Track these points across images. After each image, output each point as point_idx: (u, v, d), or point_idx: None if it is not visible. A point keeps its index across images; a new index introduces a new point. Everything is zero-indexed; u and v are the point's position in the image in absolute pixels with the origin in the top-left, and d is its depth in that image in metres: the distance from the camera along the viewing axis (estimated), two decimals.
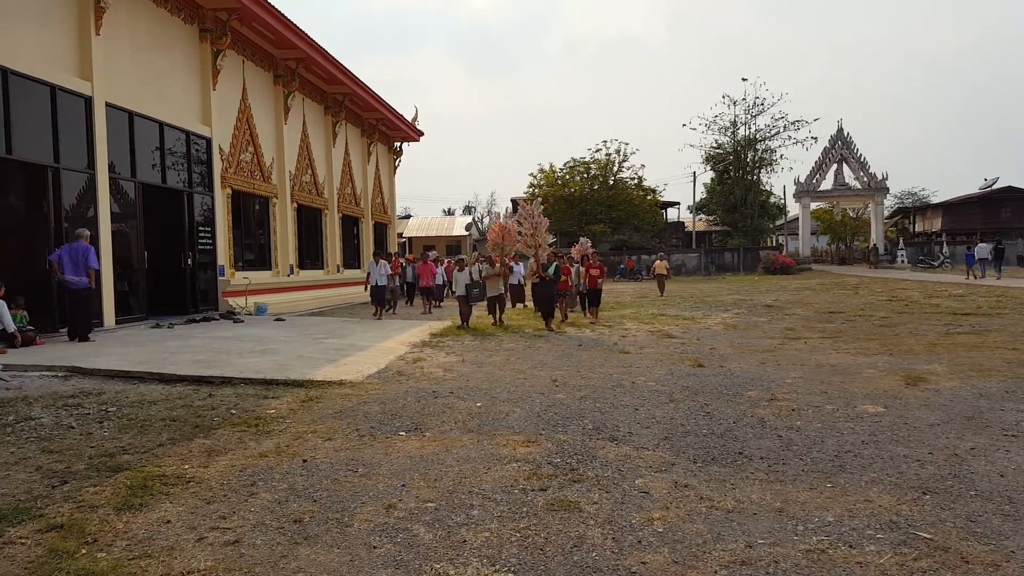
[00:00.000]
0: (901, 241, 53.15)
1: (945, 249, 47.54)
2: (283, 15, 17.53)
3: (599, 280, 15.89)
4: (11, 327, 9.85)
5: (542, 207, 16.76)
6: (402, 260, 22.85)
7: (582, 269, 16.49)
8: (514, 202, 19.59)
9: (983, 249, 30.68)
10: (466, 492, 4.29)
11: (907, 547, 3.42)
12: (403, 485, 4.44)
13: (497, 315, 14.58)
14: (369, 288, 16.85)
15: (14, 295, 10.48)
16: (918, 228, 64.36)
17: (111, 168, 12.98)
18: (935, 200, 63.93)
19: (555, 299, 14.70)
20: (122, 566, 3.29)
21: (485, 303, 14.85)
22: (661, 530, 3.67)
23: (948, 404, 6.52)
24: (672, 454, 5.05)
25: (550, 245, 16.35)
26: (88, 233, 11.20)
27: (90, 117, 12.42)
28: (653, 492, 4.25)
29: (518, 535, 3.64)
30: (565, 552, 3.44)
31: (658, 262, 26.19)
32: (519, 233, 16.16)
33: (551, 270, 14.62)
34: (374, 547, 3.52)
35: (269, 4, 16.77)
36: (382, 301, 16.78)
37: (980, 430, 5.57)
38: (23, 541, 3.58)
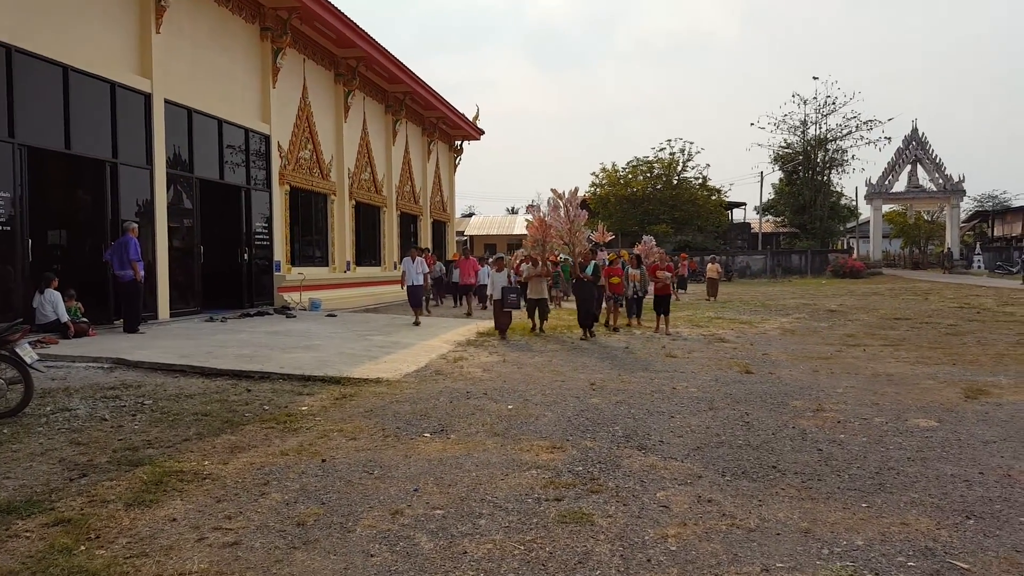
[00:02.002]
0: (978, 246, 50.48)
1: None
2: (343, 14, 17.71)
3: (670, 280, 14.40)
4: (64, 318, 10.20)
5: (581, 198, 15.07)
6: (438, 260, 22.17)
7: (633, 271, 14.83)
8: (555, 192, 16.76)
9: None
10: (478, 500, 4.14)
11: None
12: (415, 489, 4.32)
13: (537, 322, 13.18)
14: (405, 288, 15.05)
15: (69, 287, 10.87)
16: (997, 232, 61.04)
17: (169, 164, 13.35)
18: (1016, 203, 60.49)
19: (595, 304, 13.24)
20: (117, 565, 3.26)
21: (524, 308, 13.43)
22: (674, 548, 3.44)
23: (1008, 420, 6.03)
24: (701, 466, 4.78)
25: (588, 241, 14.70)
26: (135, 226, 11.47)
27: (149, 114, 12.78)
28: (673, 506, 4.01)
29: (522, 548, 3.47)
30: (568, 569, 3.25)
31: (710, 265, 25.13)
32: (551, 228, 14.59)
33: (589, 270, 13.05)
34: (371, 555, 3.41)
35: (329, 3, 16.98)
36: (419, 302, 15.05)
37: None
38: (28, 535, 3.61)
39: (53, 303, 10.19)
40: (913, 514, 3.87)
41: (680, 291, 24.77)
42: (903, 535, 3.59)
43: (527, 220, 18.92)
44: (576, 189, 14.56)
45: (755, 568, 3.21)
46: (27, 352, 6.20)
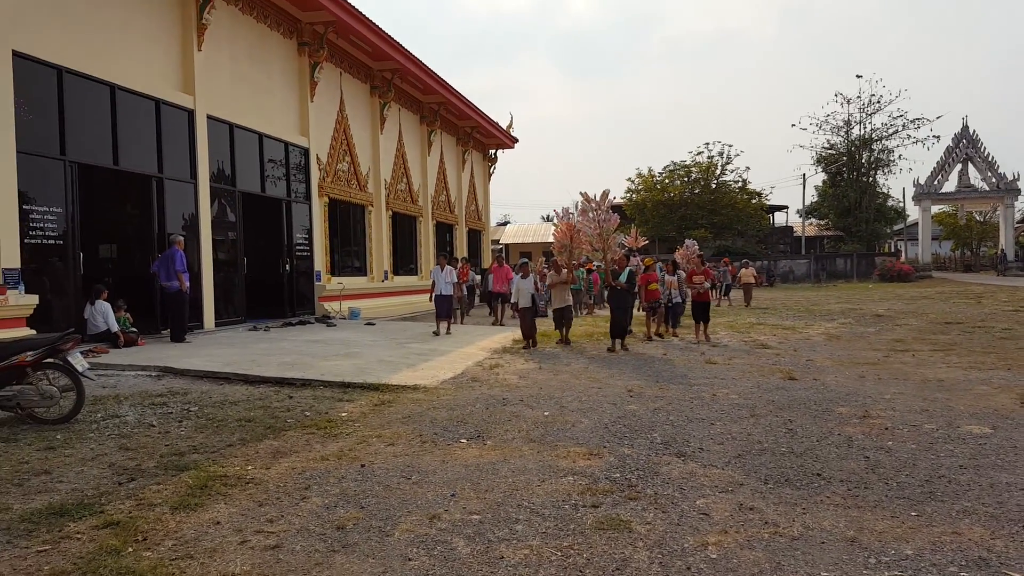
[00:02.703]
0: None
1: None
2: (379, 27, 17.99)
3: (706, 286, 13.80)
4: (115, 328, 10.51)
5: (612, 199, 13.88)
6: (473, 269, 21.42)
7: (670, 277, 14.34)
8: (584, 195, 14.45)
9: None
10: (515, 505, 4.13)
11: None
12: (452, 495, 4.33)
13: (564, 331, 12.60)
14: (433, 298, 14.28)
15: (118, 298, 11.19)
16: None
17: (212, 178, 13.69)
18: None
19: (630, 314, 12.57)
20: (163, 566, 3.34)
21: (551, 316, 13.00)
22: (714, 556, 3.38)
23: None
24: (742, 473, 4.69)
25: (620, 247, 13.71)
26: (181, 239, 11.76)
27: (192, 129, 13.13)
28: (714, 514, 3.94)
29: (559, 554, 3.45)
30: (606, 575, 3.21)
31: (744, 270, 24.37)
32: (579, 232, 13.51)
33: (623, 277, 12.17)
34: (409, 559, 3.42)
35: (365, 17, 17.26)
36: (448, 313, 14.25)
37: None
38: (79, 536, 3.71)
39: (104, 314, 10.51)
40: (966, 523, 3.74)
41: (724, 298, 24.33)
42: (955, 544, 3.47)
43: (554, 225, 18.16)
44: (607, 192, 13.56)
45: None
46: (78, 361, 6.39)
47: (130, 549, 3.54)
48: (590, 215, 13.48)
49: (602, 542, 3.57)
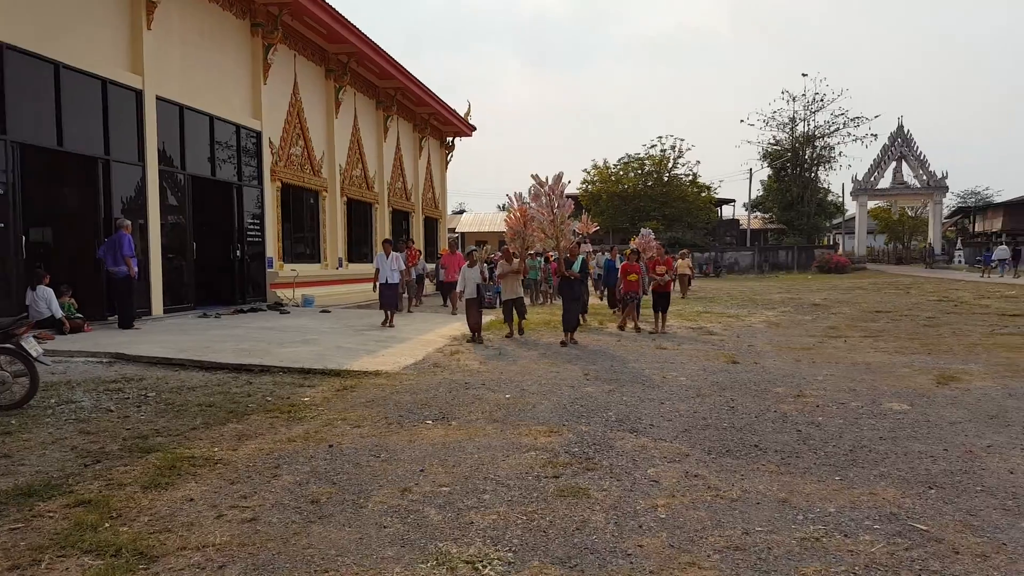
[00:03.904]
0: (959, 241, 51.34)
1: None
2: (334, 10, 17.81)
3: (667, 278, 13.35)
4: (59, 313, 10.33)
5: (566, 183, 12.91)
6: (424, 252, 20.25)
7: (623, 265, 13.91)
8: (536, 179, 13.32)
9: (1003, 251, 34.29)
10: (481, 478, 4.39)
11: (901, 538, 3.44)
12: (421, 470, 4.56)
13: (514, 325, 11.97)
14: (377, 287, 13.28)
15: (64, 284, 11.00)
16: (978, 228, 62.04)
17: (161, 160, 13.47)
18: (998, 199, 61.53)
19: (583, 307, 12.03)
20: (141, 539, 3.47)
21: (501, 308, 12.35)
22: (663, 516, 3.72)
23: (975, 403, 6.41)
24: (688, 446, 5.07)
25: (574, 234, 12.89)
26: (128, 223, 11.59)
27: (140, 110, 12.89)
28: (663, 481, 4.29)
29: (524, 518, 3.73)
30: (567, 534, 3.51)
31: (680, 260, 22.62)
32: (532, 217, 12.67)
33: (576, 266, 11.70)
34: (384, 527, 3.65)
35: None
36: (393, 303, 13.25)
37: (1001, 428, 5.50)
38: (51, 515, 3.80)
39: (46, 299, 10.31)
40: (881, 485, 4.20)
41: (689, 289, 24.57)
42: (871, 503, 3.91)
43: (506, 210, 16.92)
44: (560, 175, 12.57)
45: (736, 532, 3.50)
46: (32, 346, 6.32)
47: (106, 524, 3.64)
48: (543, 200, 12.69)
49: (563, 507, 3.87)
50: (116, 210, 12.24)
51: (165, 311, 13.30)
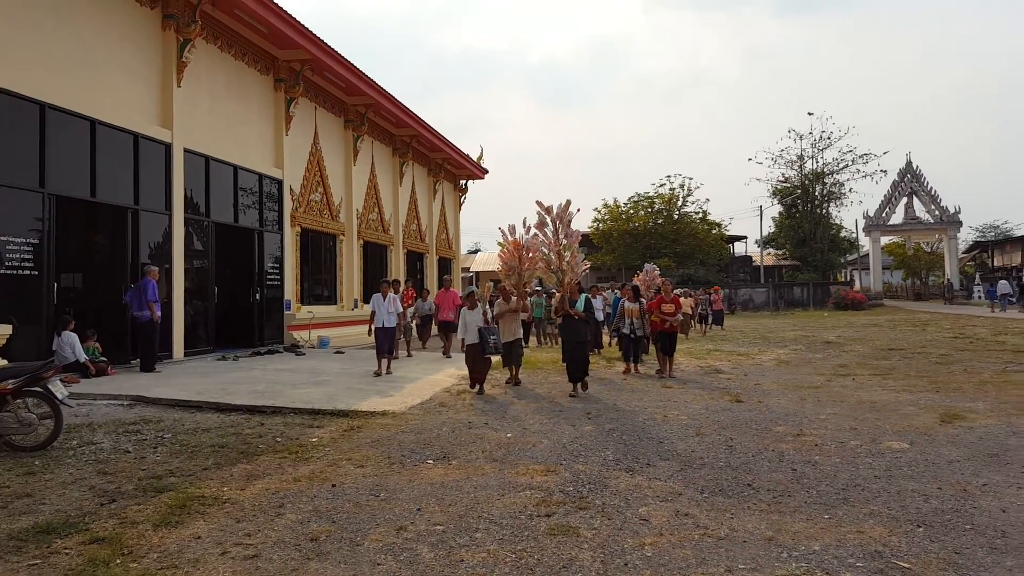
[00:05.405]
0: (978, 276, 50.85)
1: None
2: (353, 65, 18.58)
3: (679, 317, 12.13)
4: (83, 357, 10.69)
5: (576, 211, 11.65)
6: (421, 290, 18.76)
7: (630, 305, 12.49)
8: (541, 205, 12.21)
9: (1004, 285, 34.76)
10: (475, 517, 4.53)
11: (882, 575, 3.48)
12: (418, 509, 4.72)
13: (513, 370, 10.88)
14: (373, 330, 11.97)
15: (88, 328, 11.37)
16: (997, 263, 61.46)
17: (187, 208, 13.98)
18: (1017, 233, 61.07)
19: (588, 351, 10.65)
20: (150, 574, 3.66)
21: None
22: (650, 554, 3.84)
23: (976, 442, 6.42)
24: (682, 484, 5.17)
25: (581, 263, 11.68)
26: (155, 269, 12.03)
27: (169, 162, 13.46)
28: (653, 520, 4.40)
29: (513, 556, 3.86)
30: (554, 572, 3.64)
31: (683, 299, 18.53)
32: (528, 250, 11.51)
33: (579, 304, 10.43)
34: (378, 564, 3.80)
35: (340, 55, 17.83)
36: (390, 348, 11.93)
37: (999, 467, 5.51)
38: (67, 551, 4.01)
39: (71, 344, 10.68)
40: (869, 524, 4.27)
41: (716, 326, 24.26)
42: (857, 541, 3.99)
43: (499, 244, 15.28)
44: (569, 202, 11.61)
45: (720, 569, 3.60)
46: (59, 388, 6.63)
47: (118, 561, 3.84)
48: (547, 229, 11.66)
49: (552, 545, 4.00)
50: (143, 256, 12.68)
51: (185, 354, 13.62)
